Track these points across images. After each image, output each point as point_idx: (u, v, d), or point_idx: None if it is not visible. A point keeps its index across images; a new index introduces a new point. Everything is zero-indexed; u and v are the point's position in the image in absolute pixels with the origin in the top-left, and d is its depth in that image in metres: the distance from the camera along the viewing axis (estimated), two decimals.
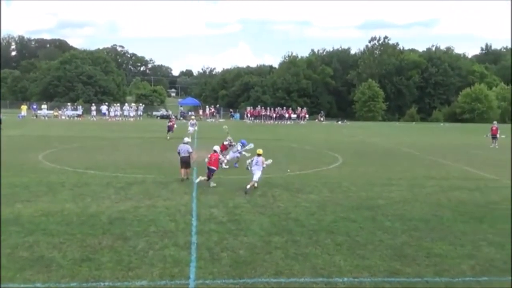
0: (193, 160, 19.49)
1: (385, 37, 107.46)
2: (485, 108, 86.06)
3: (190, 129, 36.29)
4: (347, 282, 9.15)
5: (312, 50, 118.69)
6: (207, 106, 74.95)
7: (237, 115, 78.18)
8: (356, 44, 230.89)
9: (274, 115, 67.46)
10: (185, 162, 19.00)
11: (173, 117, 46.02)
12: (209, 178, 17.95)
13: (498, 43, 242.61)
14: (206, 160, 18.37)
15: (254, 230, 12.32)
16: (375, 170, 23.00)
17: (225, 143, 23.55)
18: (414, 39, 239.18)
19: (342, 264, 10.08)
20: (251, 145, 22.59)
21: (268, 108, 71.20)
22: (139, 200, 15.39)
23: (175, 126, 37.08)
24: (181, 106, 79.72)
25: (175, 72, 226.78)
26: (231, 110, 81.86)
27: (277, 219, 13.50)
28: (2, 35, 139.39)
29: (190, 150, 19.09)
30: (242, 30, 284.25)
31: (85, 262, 9.80)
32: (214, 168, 17.95)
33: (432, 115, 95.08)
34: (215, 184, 17.92)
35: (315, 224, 13.02)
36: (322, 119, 76.16)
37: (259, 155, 17.91)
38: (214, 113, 70.11)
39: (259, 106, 73.74)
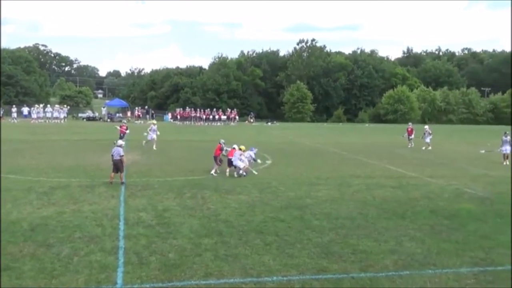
0: (124, 164, 19.03)
1: (313, 40, 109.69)
2: (407, 109, 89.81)
3: (152, 135, 32.10)
4: (276, 281, 9.28)
5: (242, 52, 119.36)
6: (135, 108, 73.42)
7: (167, 116, 77.19)
8: (285, 46, 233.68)
9: (204, 116, 67.21)
10: (116, 165, 18.57)
11: (125, 122, 37.31)
12: (230, 166, 21.52)
13: (419, 47, 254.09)
14: (225, 153, 21.92)
15: (183, 232, 12.24)
16: (304, 170, 23.45)
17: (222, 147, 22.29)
18: (340, 42, 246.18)
19: (271, 263, 10.20)
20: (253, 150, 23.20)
21: (198, 109, 70.86)
22: (63, 205, 14.87)
23: (127, 132, 32.83)
24: (103, 107, 77.24)
25: (102, 73, 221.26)
26: (152, 111, 79.06)
27: (207, 220, 13.48)
28: None
29: (121, 154, 18.63)
30: (171, 31, 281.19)
31: (5, 271, 9.34)
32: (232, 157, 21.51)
33: (358, 116, 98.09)
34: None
35: (245, 225, 13.11)
36: (252, 120, 76.74)
37: (240, 149, 21.30)
38: (142, 115, 68.80)
39: (187, 107, 73.14)
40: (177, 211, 14.46)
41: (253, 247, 11.20)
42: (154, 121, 36.04)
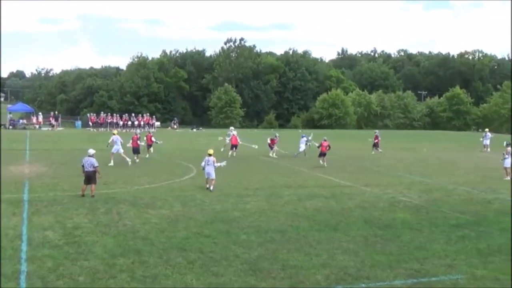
0: (99, 176, 18.76)
1: (241, 39, 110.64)
2: (342, 114, 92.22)
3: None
4: None
5: (164, 51, 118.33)
6: (39, 113, 70.69)
7: (79, 122, 75.01)
8: (212, 45, 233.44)
9: (122, 122, 65.91)
10: (89, 177, 18.51)
11: (151, 131, 36.47)
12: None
13: (354, 48, 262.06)
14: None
15: (96, 252, 11.99)
16: (231, 180, 23.56)
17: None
18: (271, 41, 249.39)
19: (194, 283, 10.21)
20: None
21: (115, 114, 69.41)
22: None
23: (139, 143, 30.27)
24: (10, 113, 73.77)
25: (4, 74, 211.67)
26: (52, 115, 74.37)
27: (123, 238, 13.28)
28: None
29: (96, 165, 18.56)
30: (83, 27, 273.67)
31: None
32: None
33: (291, 121, 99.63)
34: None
35: (166, 242, 13.03)
36: (175, 126, 76.07)
37: (210, 155, 20.91)
38: (51, 121, 66.35)
39: (102, 112, 71.45)
40: (89, 229, 14.14)
41: (174, 266, 11.15)
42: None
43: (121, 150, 28.77)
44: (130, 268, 10.98)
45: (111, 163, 27.74)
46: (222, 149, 35.96)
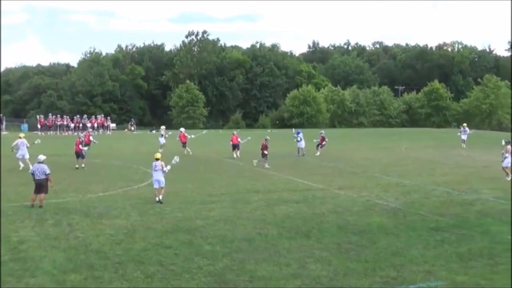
0: (51, 184, 18.89)
1: (204, 32, 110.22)
2: (314, 112, 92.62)
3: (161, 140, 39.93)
4: None
5: (119, 46, 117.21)
6: None
7: (25, 125, 73.90)
8: (171, 39, 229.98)
9: (73, 124, 65.06)
10: (40, 186, 18.46)
11: (90, 131, 40.51)
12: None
13: (326, 41, 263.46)
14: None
15: (44, 268, 11.89)
16: (194, 186, 23.57)
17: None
18: (236, 34, 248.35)
19: None
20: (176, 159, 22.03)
21: (65, 116, 68.48)
22: None
23: (82, 148, 29.90)
24: None
25: None
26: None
27: (74, 252, 13.18)
28: None
29: (48, 172, 18.60)
30: (29, 20, 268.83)
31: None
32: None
33: (259, 120, 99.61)
34: None
35: (122, 255, 12.96)
36: (133, 128, 75.55)
37: (157, 159, 20.21)
38: None
39: (50, 114, 70.41)
40: (36, 243, 14.01)
41: (131, 281, 11.11)
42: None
43: (27, 156, 28.58)
44: (83, 284, 10.90)
45: (20, 168, 27.98)
46: (160, 150, 35.47)
